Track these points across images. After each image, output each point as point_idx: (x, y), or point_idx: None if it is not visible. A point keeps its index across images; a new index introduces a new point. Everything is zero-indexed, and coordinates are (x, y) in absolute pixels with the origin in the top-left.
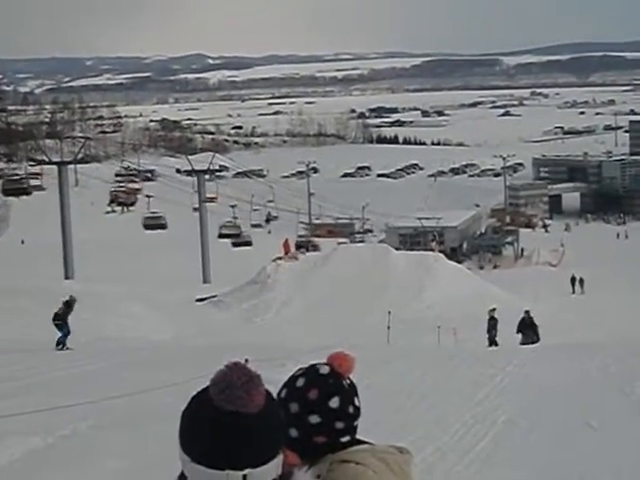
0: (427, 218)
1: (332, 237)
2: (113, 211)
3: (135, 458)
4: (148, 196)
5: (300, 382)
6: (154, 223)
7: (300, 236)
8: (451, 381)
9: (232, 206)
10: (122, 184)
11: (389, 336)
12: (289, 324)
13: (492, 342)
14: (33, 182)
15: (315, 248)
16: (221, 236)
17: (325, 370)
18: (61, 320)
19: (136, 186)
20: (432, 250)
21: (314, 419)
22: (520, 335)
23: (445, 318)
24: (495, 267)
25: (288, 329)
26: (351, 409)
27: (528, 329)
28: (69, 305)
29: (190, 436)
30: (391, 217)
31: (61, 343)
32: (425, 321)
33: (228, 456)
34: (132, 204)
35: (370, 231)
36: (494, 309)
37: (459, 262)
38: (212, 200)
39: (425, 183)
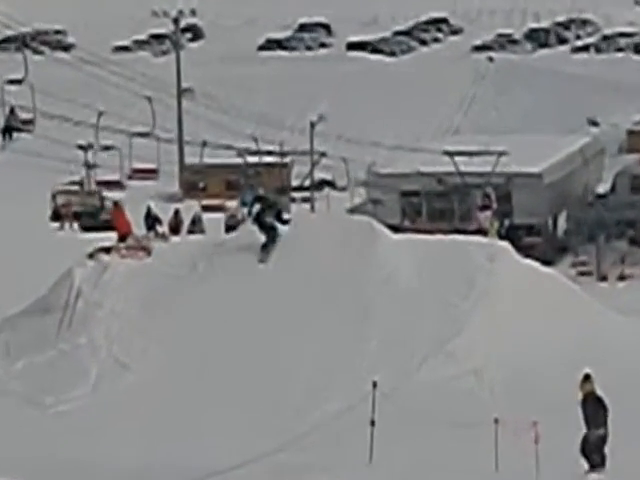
0: (469, 153)
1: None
2: None
3: None
4: None
5: None
6: None
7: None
8: None
9: None
10: None
11: (373, 443)
12: (127, 415)
13: (596, 458)
14: None
15: (196, 225)
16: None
17: None
18: None
19: None
20: (482, 232)
21: None
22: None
23: (512, 398)
24: (632, 277)
25: (124, 428)
26: None
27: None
28: None
29: None
30: (380, 149)
31: None
32: (461, 404)
33: None
34: None
35: (328, 183)
36: (588, 377)
37: (548, 263)
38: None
39: (465, 67)
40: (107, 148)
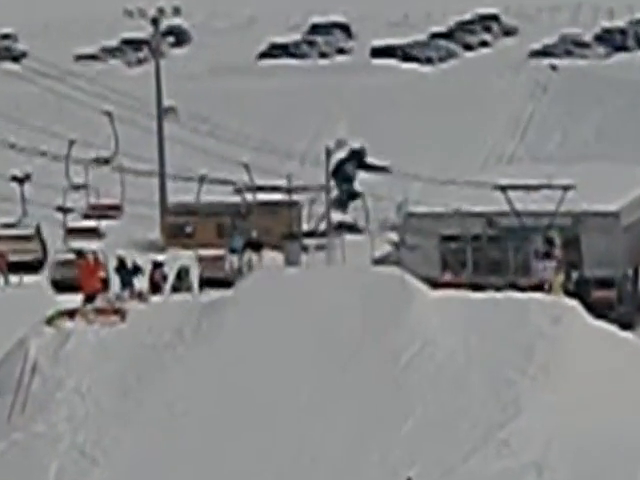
0: (527, 188)
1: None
2: None
3: None
4: None
5: None
6: None
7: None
8: None
9: None
10: None
11: None
12: None
13: None
14: None
15: (182, 280)
16: None
17: None
18: None
19: None
20: (543, 287)
21: None
22: None
23: None
24: None
25: None
26: None
27: None
28: None
29: None
30: (415, 183)
31: None
32: None
33: None
34: None
35: (349, 227)
36: None
37: (627, 325)
38: None
39: (521, 78)
40: (77, 187)
